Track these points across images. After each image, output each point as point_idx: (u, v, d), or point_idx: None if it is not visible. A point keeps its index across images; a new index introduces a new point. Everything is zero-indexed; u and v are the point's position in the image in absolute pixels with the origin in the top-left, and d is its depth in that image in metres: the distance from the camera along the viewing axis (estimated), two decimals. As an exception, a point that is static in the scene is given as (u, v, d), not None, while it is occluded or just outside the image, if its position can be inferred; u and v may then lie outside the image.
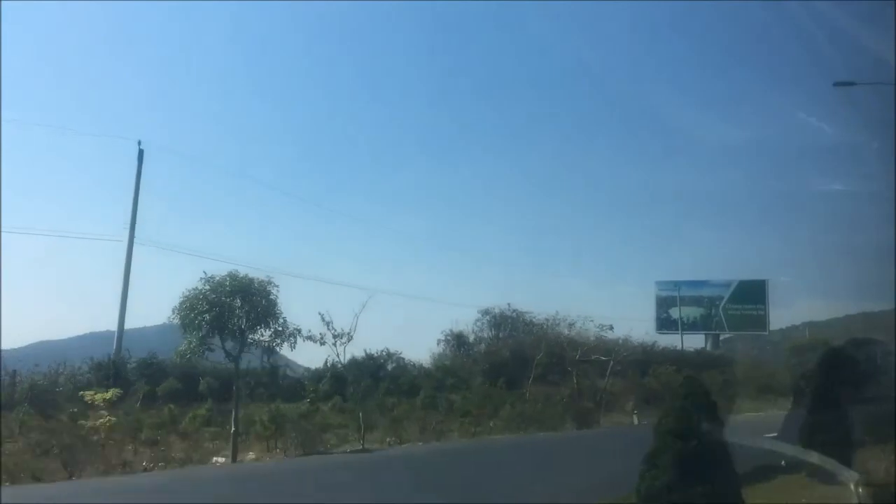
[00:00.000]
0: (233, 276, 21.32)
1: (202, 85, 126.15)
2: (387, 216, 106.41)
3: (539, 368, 36.13)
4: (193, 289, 21.00)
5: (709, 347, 65.08)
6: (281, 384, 34.48)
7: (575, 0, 78.20)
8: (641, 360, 40.66)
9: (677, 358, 48.32)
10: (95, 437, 19.59)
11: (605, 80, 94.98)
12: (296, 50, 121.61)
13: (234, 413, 21.72)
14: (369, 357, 38.33)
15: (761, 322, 65.44)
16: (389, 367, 39.33)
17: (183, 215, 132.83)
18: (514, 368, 39.93)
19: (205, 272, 21.09)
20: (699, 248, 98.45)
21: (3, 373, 27.33)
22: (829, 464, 11.98)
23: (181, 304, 20.72)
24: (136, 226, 36.00)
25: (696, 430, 8.19)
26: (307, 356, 36.84)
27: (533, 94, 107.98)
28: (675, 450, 8.14)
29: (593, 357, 34.97)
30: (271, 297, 21.72)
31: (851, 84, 26.54)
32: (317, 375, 35.87)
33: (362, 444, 24.41)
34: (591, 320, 37.00)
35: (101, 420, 20.21)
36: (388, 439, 26.04)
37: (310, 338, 24.64)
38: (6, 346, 35.06)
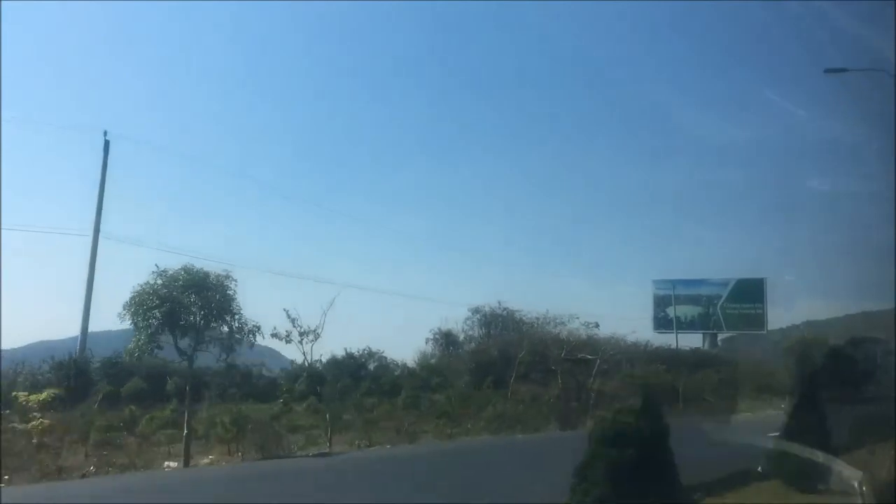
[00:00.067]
0: (187, 270, 20.20)
1: (202, 85, 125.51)
2: (386, 216, 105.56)
3: (522, 367, 34.94)
4: (145, 283, 19.86)
5: (706, 346, 63.94)
6: (255, 384, 33.31)
7: (575, 0, 77.12)
8: (631, 359, 39.45)
9: (671, 357, 47.14)
10: (34, 441, 18.43)
11: (605, 80, 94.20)
12: (296, 50, 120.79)
13: (186, 415, 20.55)
14: (349, 356, 37.19)
15: (759, 321, 64.31)
16: (371, 366, 38.14)
17: (183, 215, 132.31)
18: (501, 368, 38.78)
19: (157, 265, 20.02)
20: (699, 247, 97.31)
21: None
22: (834, 462, 11.60)
23: (131, 299, 19.59)
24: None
25: (635, 438, 7.01)
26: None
27: (533, 94, 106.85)
28: (608, 460, 6.98)
29: (579, 356, 33.73)
30: (229, 291, 20.58)
31: (843, 70, 25.55)
32: (293, 375, 34.72)
33: (329, 447, 23.28)
34: (577, 317, 35.81)
35: (34, 423, 19.05)
36: (357, 442, 24.87)
37: (275, 335, 23.47)
38: (6, 346, 33.94)
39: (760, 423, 23.89)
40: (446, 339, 48.04)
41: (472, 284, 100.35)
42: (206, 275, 20.26)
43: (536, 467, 18.77)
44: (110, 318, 31.50)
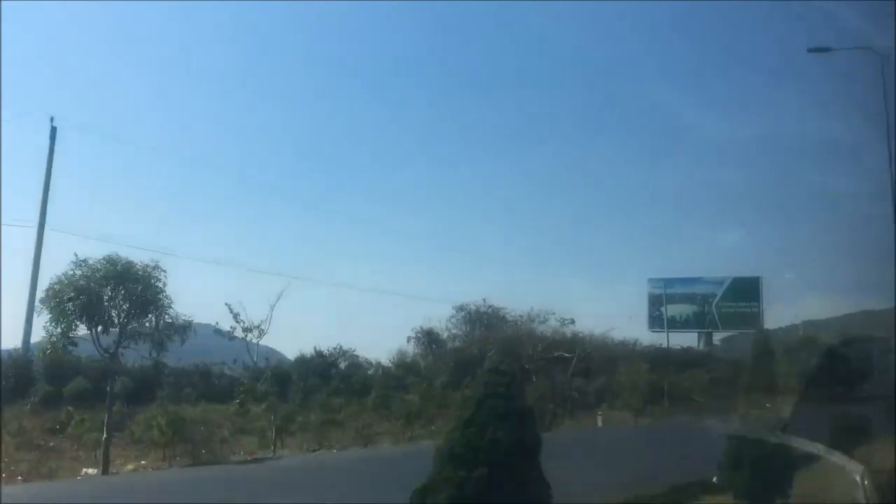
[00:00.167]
0: (109, 260, 18.61)
1: (202, 84, 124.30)
2: (386, 216, 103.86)
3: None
4: (62, 274, 18.27)
5: (701, 346, 62.45)
6: (215, 384, 31.64)
7: (575, 0, 75.56)
8: (615, 358, 37.77)
9: (660, 356, 45.50)
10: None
11: (605, 80, 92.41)
12: (296, 50, 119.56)
13: (106, 418, 18.94)
14: (318, 354, 35.49)
15: (755, 319, 62.40)
16: (342, 364, 36.43)
17: (183, 216, 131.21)
18: (482, 367, 37.16)
19: (76, 255, 18.42)
20: (700, 246, 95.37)
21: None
22: (836, 456, 11.54)
23: (46, 291, 18.03)
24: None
25: (489, 454, 5.37)
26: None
27: (533, 94, 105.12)
28: (454, 482, 5.33)
29: (556, 353, 32.05)
30: (157, 283, 18.98)
31: (827, 50, 24.25)
32: (255, 374, 33.05)
33: (273, 451, 21.70)
34: (553, 313, 34.16)
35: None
36: (308, 445, 23.27)
37: (217, 331, 21.85)
38: (6, 345, 32.45)
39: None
40: (428, 338, 46.29)
41: (469, 284, 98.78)
42: (131, 265, 18.65)
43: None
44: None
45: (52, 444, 21.69)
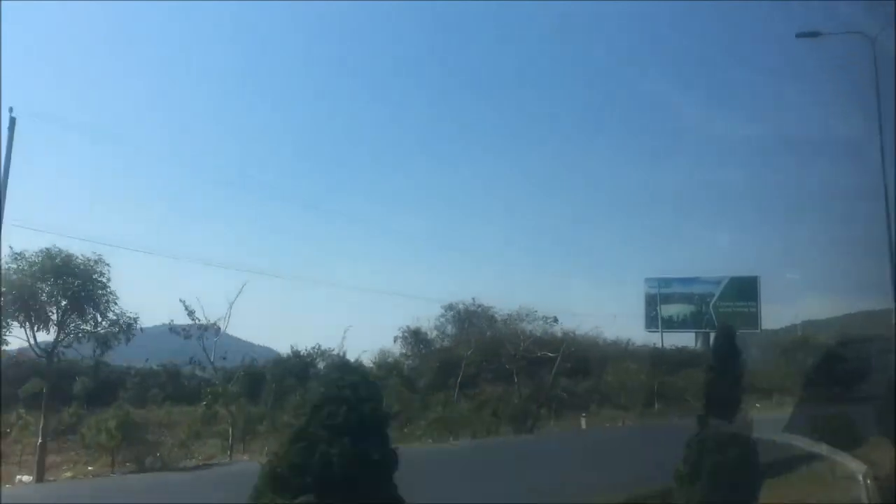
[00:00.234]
0: (48, 254, 17.45)
1: (202, 84, 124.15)
2: (385, 216, 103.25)
3: (472, 367, 32.09)
4: (-4, 267, 17.12)
5: (698, 346, 61.35)
6: (185, 385, 30.52)
7: (575, 0, 74.50)
8: (604, 358, 36.63)
9: (653, 356, 44.38)
10: None
11: (605, 79, 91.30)
12: (296, 50, 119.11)
13: (42, 422, 17.80)
14: (295, 354, 34.33)
15: (753, 319, 61.46)
16: (320, 365, 35.22)
17: (184, 218, 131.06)
18: (468, 367, 36.01)
19: (10, 247, 17.26)
20: (700, 246, 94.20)
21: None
22: (839, 455, 11.62)
23: (-24, 287, 16.86)
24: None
25: (320, 475, 4.20)
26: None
27: (533, 94, 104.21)
28: (275, 510, 4.16)
29: (539, 353, 30.83)
30: (100, 278, 17.83)
31: (816, 35, 23.16)
32: (228, 375, 31.88)
33: (230, 456, 20.56)
34: (535, 311, 32.97)
35: None
36: (267, 450, 22.04)
37: (172, 329, 20.71)
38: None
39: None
40: (415, 338, 45.07)
41: (468, 284, 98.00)
42: (70, 258, 17.51)
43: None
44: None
45: (-1, 448, 20.61)
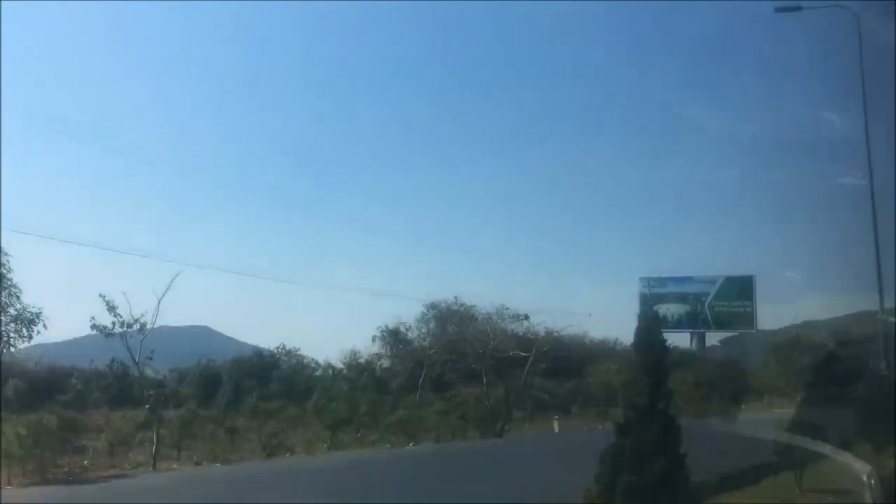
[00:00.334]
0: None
1: (202, 84, 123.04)
2: (386, 216, 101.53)
3: (443, 368, 30.32)
4: None
5: (693, 346, 59.73)
6: (134, 387, 28.68)
7: (575, 0, 72.85)
8: (584, 358, 34.85)
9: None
10: None
11: (605, 78, 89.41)
12: (296, 50, 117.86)
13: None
14: (256, 353, 32.56)
15: (748, 319, 59.58)
16: (284, 366, 33.47)
17: (184, 217, 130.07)
18: (441, 367, 34.29)
19: None
20: (700, 245, 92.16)
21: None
22: (842, 455, 11.08)
23: None
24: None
25: None
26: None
27: (533, 94, 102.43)
28: None
29: (511, 352, 29.00)
30: (-2, 270, 16.07)
31: (798, 9, 21.51)
32: (181, 376, 30.21)
33: (154, 466, 18.77)
34: (506, 308, 31.17)
35: None
36: (196, 458, 20.32)
37: (94, 327, 18.95)
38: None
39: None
40: (394, 337, 43.25)
41: (471, 284, 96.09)
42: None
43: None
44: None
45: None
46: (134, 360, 20.36)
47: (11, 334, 16.77)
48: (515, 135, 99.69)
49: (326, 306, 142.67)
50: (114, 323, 19.07)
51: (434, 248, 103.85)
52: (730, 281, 60.65)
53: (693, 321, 62.09)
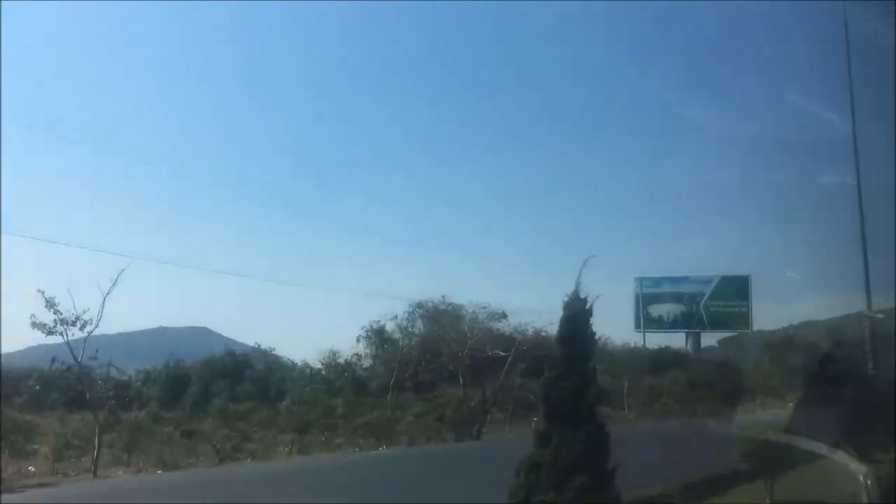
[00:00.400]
0: None
1: (202, 85, 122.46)
2: (386, 216, 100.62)
3: (412, 367, 29.16)
4: None
5: (689, 346, 58.66)
6: (100, 388, 27.53)
7: (575, 0, 71.89)
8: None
9: (629, 357, 41.76)
10: None
11: (605, 78, 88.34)
12: (296, 50, 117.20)
13: None
14: (229, 353, 31.40)
15: (744, 319, 58.53)
16: (258, 365, 32.26)
17: (184, 218, 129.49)
18: (426, 367, 33.14)
19: None
20: (700, 245, 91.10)
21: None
22: (839, 456, 11.43)
23: None
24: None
25: None
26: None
27: (533, 94, 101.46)
28: None
29: (490, 352, 27.84)
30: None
31: None
32: (146, 377, 29.06)
33: (94, 472, 17.65)
34: (485, 307, 30.02)
35: None
36: (143, 465, 19.19)
37: (35, 325, 17.81)
38: (6, 349, 29.01)
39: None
40: (379, 337, 42.04)
41: (470, 284, 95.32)
42: None
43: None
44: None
45: None
46: (76, 359, 19.17)
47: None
48: (515, 135, 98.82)
49: (326, 307, 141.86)
50: (55, 321, 17.89)
51: (434, 249, 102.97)
52: (726, 281, 59.63)
53: (688, 321, 60.99)
